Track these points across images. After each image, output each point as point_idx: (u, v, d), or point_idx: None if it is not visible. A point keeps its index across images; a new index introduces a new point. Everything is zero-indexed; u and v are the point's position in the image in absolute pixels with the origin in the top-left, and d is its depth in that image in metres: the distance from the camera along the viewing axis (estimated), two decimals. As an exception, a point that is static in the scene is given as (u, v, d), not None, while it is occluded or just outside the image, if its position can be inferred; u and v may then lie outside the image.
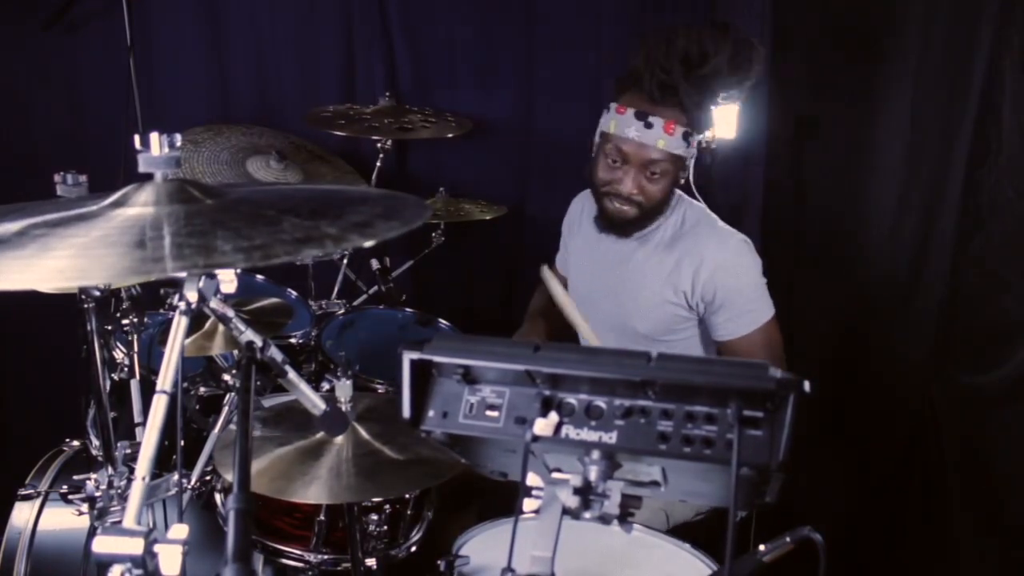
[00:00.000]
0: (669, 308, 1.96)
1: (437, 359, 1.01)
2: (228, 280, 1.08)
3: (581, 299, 2.16)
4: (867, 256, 2.47)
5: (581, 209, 2.19)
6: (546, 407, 1.00)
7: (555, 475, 1.03)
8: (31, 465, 2.09)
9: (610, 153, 1.88)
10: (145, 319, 1.93)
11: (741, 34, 1.83)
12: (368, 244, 1.03)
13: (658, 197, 1.90)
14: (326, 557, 1.82)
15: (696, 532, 1.82)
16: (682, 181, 1.92)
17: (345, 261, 2.72)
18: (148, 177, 1.07)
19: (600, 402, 0.99)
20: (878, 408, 2.50)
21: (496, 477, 1.16)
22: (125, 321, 1.90)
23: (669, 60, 1.79)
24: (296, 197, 1.24)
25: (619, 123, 1.84)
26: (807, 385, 0.90)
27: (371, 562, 1.81)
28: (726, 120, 2.33)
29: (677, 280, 1.93)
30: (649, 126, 1.81)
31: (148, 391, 1.92)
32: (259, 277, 2.57)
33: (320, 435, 1.58)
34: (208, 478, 1.90)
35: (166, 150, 1.07)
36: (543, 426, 0.98)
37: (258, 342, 1.16)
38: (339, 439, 1.58)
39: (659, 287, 1.96)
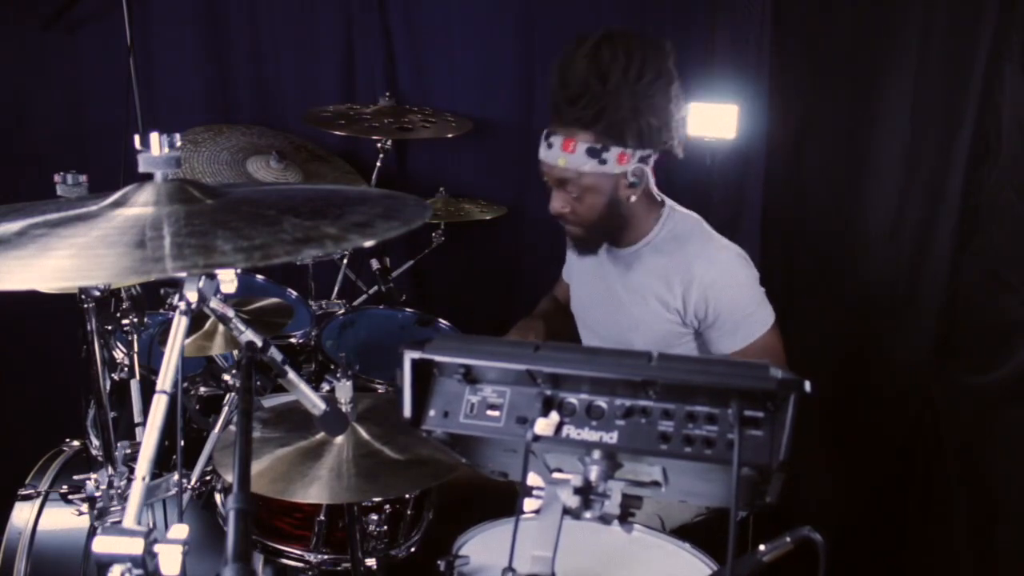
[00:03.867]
0: (665, 325, 1.95)
1: (438, 359, 1.02)
2: (228, 280, 1.08)
3: (581, 310, 2.17)
4: (867, 256, 2.47)
5: None
6: (547, 407, 1.00)
7: (556, 475, 1.04)
8: (31, 465, 2.09)
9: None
10: (145, 319, 1.93)
11: (626, 46, 1.76)
12: (368, 244, 1.03)
13: (590, 215, 1.87)
14: (326, 557, 1.82)
15: (695, 532, 1.82)
16: (632, 198, 1.86)
17: (345, 261, 2.72)
18: (148, 177, 1.08)
19: (601, 402, 0.99)
20: (878, 408, 2.50)
21: (497, 477, 1.16)
22: (125, 321, 1.90)
23: (554, 82, 1.82)
24: (296, 197, 1.24)
25: (540, 146, 1.87)
26: (808, 385, 0.90)
27: (371, 562, 1.81)
28: (726, 120, 2.34)
29: (670, 298, 1.92)
30: (550, 146, 1.83)
31: (148, 391, 1.92)
32: (259, 277, 2.57)
33: (320, 435, 1.58)
34: (208, 478, 1.90)
35: (166, 150, 1.07)
36: (544, 426, 0.98)
37: (258, 342, 1.16)
38: (339, 439, 1.58)
39: (653, 304, 1.94)
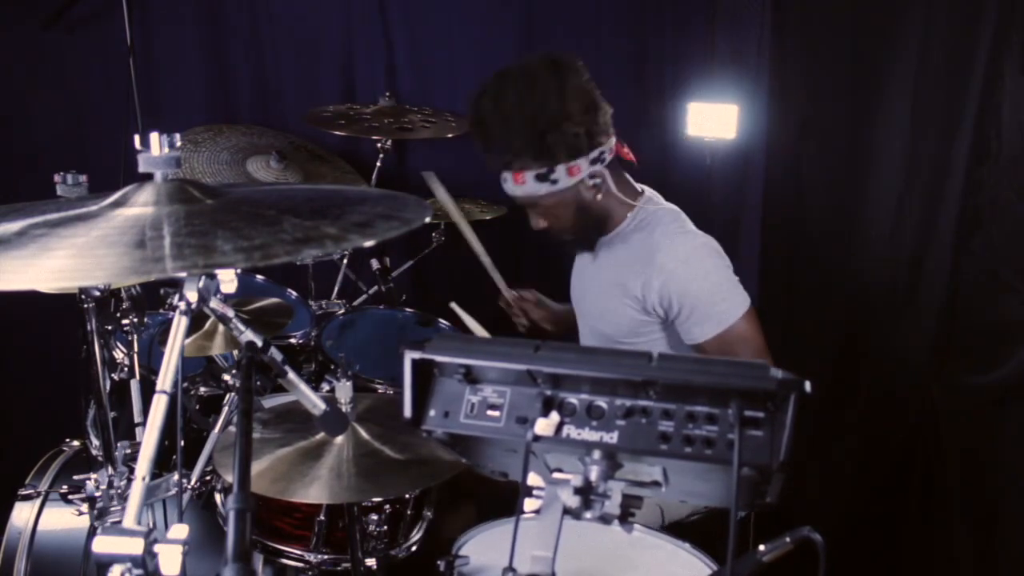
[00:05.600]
0: (628, 312, 1.96)
1: (438, 359, 1.01)
2: (228, 280, 1.07)
3: (574, 302, 2.22)
4: (867, 256, 2.47)
5: None
6: (547, 407, 1.00)
7: (556, 475, 1.03)
8: (31, 465, 2.08)
9: None
10: (145, 319, 1.93)
11: (499, 85, 1.87)
12: (368, 244, 1.03)
13: (565, 225, 1.96)
14: (326, 557, 1.82)
15: (694, 532, 1.81)
16: (598, 196, 1.90)
17: (345, 261, 2.72)
18: (148, 177, 1.07)
19: (601, 402, 0.99)
20: (878, 408, 2.50)
21: (497, 477, 1.16)
22: (125, 321, 1.89)
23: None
24: (296, 197, 1.23)
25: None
26: (808, 385, 0.90)
27: (371, 562, 1.81)
28: (726, 120, 2.34)
29: (630, 287, 1.92)
30: (504, 180, 1.92)
31: (148, 391, 1.92)
32: (259, 277, 2.57)
33: (320, 435, 1.58)
34: (208, 478, 1.89)
35: (166, 150, 1.07)
36: (544, 426, 0.98)
37: (258, 342, 1.16)
38: (339, 439, 1.58)
39: (616, 292, 1.96)
